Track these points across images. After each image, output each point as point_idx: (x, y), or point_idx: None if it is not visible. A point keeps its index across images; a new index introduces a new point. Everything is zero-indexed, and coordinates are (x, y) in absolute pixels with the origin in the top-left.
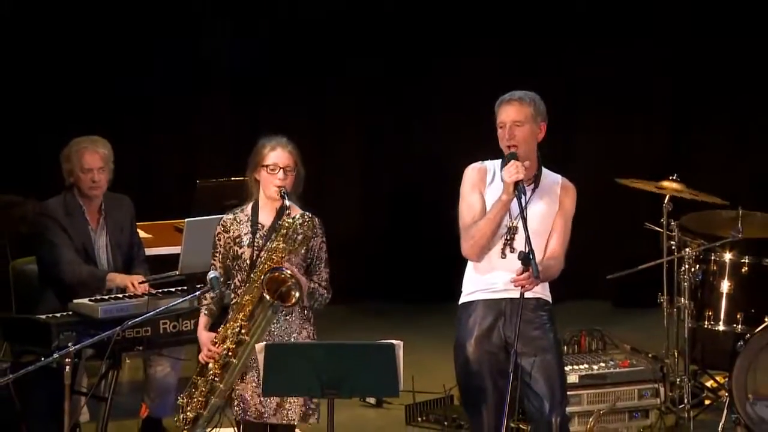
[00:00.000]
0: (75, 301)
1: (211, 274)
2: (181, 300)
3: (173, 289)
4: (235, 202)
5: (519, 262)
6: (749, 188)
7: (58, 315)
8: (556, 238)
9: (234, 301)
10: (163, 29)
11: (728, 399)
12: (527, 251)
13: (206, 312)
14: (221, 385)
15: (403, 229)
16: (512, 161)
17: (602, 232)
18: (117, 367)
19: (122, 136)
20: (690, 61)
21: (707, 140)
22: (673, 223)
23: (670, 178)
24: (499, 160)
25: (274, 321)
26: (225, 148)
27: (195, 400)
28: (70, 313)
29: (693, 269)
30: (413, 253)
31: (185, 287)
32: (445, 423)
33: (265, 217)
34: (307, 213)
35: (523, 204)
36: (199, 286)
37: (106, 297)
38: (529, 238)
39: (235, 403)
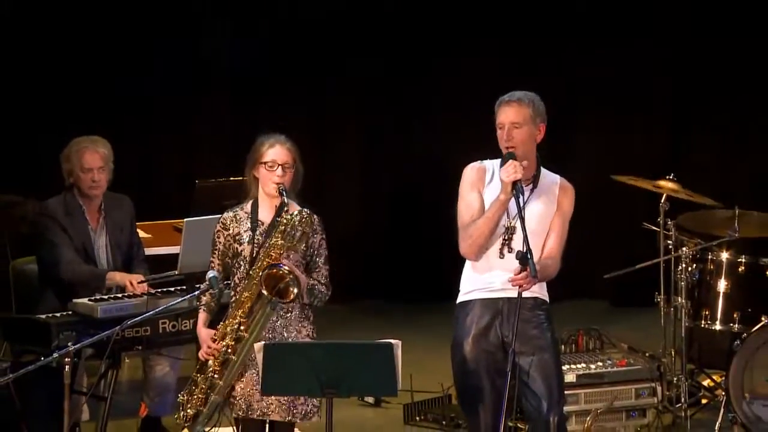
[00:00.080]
0: (74, 300)
1: (210, 274)
2: (180, 300)
3: (172, 289)
4: (235, 202)
5: (517, 262)
6: (749, 188)
7: (58, 315)
8: (553, 238)
9: (233, 298)
10: (163, 29)
11: (725, 398)
12: (525, 251)
13: (205, 309)
14: (221, 382)
15: (402, 228)
16: (510, 161)
17: (600, 232)
18: (116, 366)
19: (122, 136)
20: (690, 61)
21: (707, 140)
22: (670, 223)
23: (667, 177)
24: (499, 160)
25: (274, 317)
26: (225, 148)
27: (195, 397)
28: (70, 312)
29: (690, 268)
30: (413, 253)
31: (184, 287)
32: (444, 422)
33: (265, 214)
34: (306, 209)
35: (521, 204)
36: (198, 285)
37: (106, 297)
38: (527, 238)
39: (236, 400)
